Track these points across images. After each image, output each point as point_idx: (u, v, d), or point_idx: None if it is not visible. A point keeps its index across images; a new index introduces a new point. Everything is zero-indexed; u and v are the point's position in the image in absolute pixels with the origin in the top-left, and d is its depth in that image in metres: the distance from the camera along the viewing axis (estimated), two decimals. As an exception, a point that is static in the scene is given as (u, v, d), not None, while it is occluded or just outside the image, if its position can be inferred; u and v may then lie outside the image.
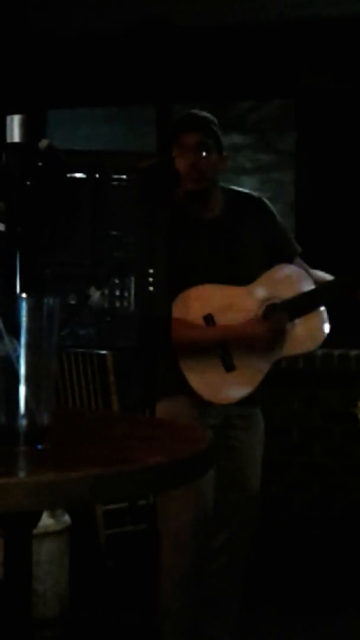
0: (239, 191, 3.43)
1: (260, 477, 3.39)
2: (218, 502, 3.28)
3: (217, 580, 3.34)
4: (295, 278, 3.33)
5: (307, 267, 3.44)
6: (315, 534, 4.88)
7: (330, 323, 3.33)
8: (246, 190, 3.47)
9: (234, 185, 3.52)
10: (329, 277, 3.41)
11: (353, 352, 4.98)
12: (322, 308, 3.31)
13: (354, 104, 5.26)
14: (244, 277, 3.27)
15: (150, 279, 1.67)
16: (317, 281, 3.36)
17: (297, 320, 3.27)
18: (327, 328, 3.30)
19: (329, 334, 3.32)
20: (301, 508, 4.89)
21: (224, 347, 3.21)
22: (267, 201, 3.43)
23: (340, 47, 5.18)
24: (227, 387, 3.23)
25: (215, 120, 3.35)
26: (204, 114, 3.38)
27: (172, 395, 3.15)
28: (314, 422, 5.02)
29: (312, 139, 5.36)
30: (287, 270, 3.35)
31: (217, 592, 3.34)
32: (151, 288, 1.67)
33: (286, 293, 3.28)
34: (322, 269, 3.46)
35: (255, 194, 3.46)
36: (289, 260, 3.39)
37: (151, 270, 1.67)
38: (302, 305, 3.29)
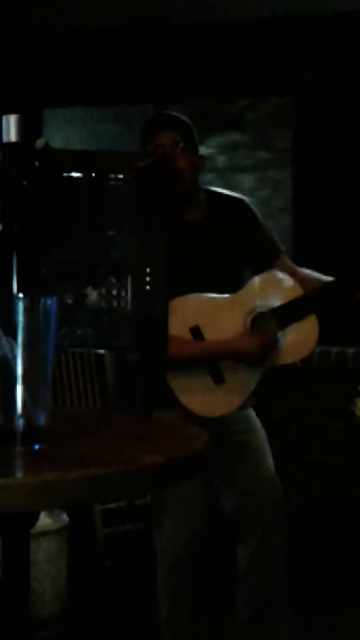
0: (221, 193, 3.31)
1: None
2: (240, 512, 3.20)
3: (258, 586, 3.22)
4: (282, 285, 3.22)
5: (294, 265, 3.36)
6: (314, 530, 4.89)
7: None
8: (228, 192, 3.36)
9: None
10: (317, 274, 3.31)
11: (350, 350, 4.99)
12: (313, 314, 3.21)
13: (351, 102, 5.27)
14: (226, 281, 3.18)
15: (148, 279, 1.67)
16: (305, 280, 3.27)
17: (287, 329, 3.17)
18: (317, 335, 3.20)
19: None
20: (301, 504, 4.90)
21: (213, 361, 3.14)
22: (249, 203, 3.33)
23: (338, 44, 5.19)
24: (218, 400, 3.14)
25: (189, 120, 3.23)
26: (176, 114, 3.28)
27: (161, 409, 3.03)
28: (313, 420, 5.02)
29: (309, 137, 5.36)
30: (273, 277, 3.24)
31: (261, 598, 3.21)
32: (148, 288, 1.67)
33: (274, 301, 3.18)
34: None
35: (237, 195, 3.36)
36: (272, 261, 3.30)
37: (148, 270, 1.67)
38: (292, 313, 3.19)
